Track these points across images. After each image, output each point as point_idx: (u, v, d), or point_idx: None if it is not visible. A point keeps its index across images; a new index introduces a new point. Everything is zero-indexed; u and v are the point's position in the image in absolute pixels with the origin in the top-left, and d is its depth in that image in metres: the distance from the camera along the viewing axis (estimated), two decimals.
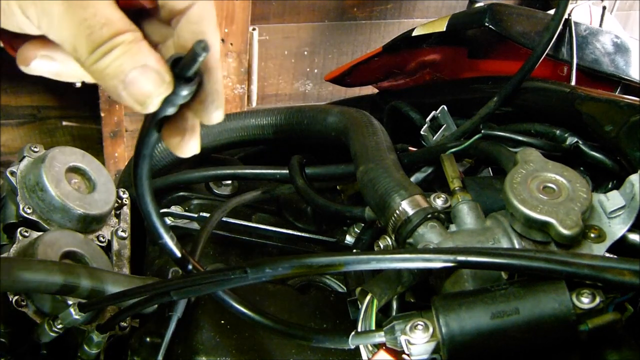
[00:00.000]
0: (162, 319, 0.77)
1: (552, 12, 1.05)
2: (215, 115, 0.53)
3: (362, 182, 0.81)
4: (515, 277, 0.62)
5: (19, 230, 0.80)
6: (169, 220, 0.96)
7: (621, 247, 0.67)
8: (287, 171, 0.99)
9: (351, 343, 0.63)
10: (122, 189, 0.95)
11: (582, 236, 0.65)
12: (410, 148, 0.95)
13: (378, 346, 0.62)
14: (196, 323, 0.79)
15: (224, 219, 0.94)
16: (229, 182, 1.07)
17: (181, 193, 1.02)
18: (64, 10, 0.47)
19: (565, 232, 0.63)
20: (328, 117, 1.01)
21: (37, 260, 0.74)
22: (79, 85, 0.58)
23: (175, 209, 0.98)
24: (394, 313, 0.72)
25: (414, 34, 1.16)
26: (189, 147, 0.56)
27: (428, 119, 1.00)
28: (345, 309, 0.80)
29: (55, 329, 0.72)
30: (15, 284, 0.69)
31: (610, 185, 0.82)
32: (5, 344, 0.75)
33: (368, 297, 0.65)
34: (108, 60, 0.48)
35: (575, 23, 1.09)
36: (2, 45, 0.56)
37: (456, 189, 0.75)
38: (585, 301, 0.57)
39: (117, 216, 0.92)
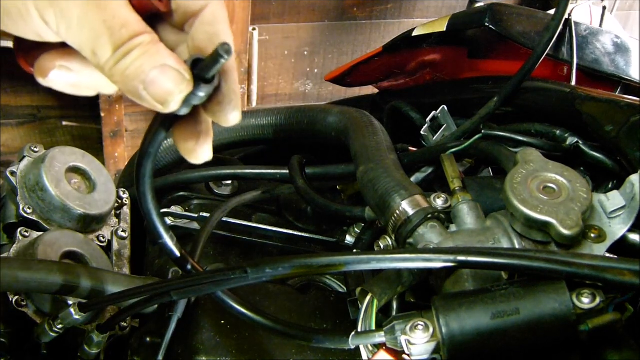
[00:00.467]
0: (162, 319, 0.77)
1: (552, 12, 1.05)
2: (233, 116, 0.54)
3: (362, 182, 0.81)
4: (516, 277, 0.62)
5: (19, 230, 0.80)
6: (169, 220, 0.96)
7: (621, 247, 0.67)
8: (287, 171, 0.99)
9: (351, 343, 0.62)
10: (122, 189, 0.95)
11: (583, 236, 0.65)
12: (410, 148, 0.95)
13: (378, 346, 0.62)
14: (196, 323, 0.79)
15: (224, 219, 0.94)
16: (229, 182, 1.07)
17: (181, 193, 1.02)
18: (83, 13, 0.47)
19: (565, 232, 0.63)
20: (328, 117, 1.01)
21: (37, 260, 0.74)
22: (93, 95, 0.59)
23: (175, 209, 0.98)
24: (394, 313, 0.72)
25: (414, 34, 1.16)
26: (203, 152, 0.56)
27: (428, 119, 1.00)
28: (345, 309, 0.80)
29: (55, 329, 0.72)
30: (15, 284, 0.69)
31: (610, 185, 0.82)
32: (5, 344, 0.75)
33: (368, 297, 0.65)
34: (128, 62, 0.48)
35: (576, 23, 1.09)
36: (20, 64, 0.56)
37: (456, 189, 0.75)
38: (585, 301, 0.57)
39: (117, 216, 0.92)
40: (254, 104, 2.51)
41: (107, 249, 0.88)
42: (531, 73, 0.97)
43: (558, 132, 0.88)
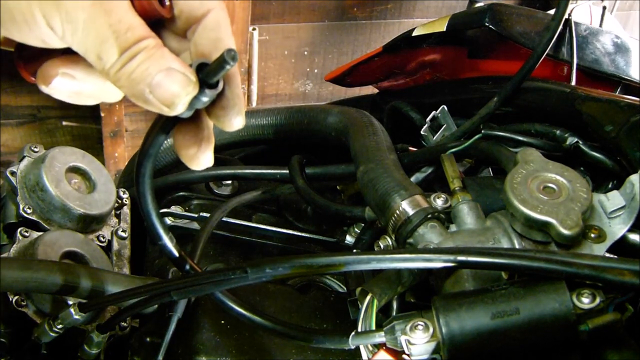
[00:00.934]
0: (162, 319, 0.77)
1: (552, 12, 1.05)
2: (237, 121, 0.54)
3: (362, 182, 0.81)
4: (516, 277, 0.62)
5: (19, 230, 0.80)
6: (169, 220, 0.96)
7: (621, 247, 0.67)
8: (287, 171, 0.99)
9: (351, 343, 0.62)
10: (122, 189, 0.95)
11: (582, 236, 0.65)
12: (410, 148, 0.95)
13: (378, 346, 0.62)
14: (196, 323, 0.79)
15: (224, 219, 0.94)
16: (229, 182, 1.07)
17: (181, 193, 1.02)
18: (89, 17, 0.47)
19: (565, 232, 0.63)
20: (328, 117, 1.01)
21: (37, 260, 0.74)
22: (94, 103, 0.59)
23: (175, 209, 0.98)
24: (394, 313, 0.72)
25: (414, 34, 1.16)
26: (205, 158, 0.56)
27: (428, 119, 1.00)
28: (345, 309, 0.80)
29: (55, 329, 0.72)
30: (15, 284, 0.69)
31: (610, 185, 0.82)
32: (5, 344, 0.75)
33: (368, 297, 0.65)
34: (133, 65, 0.48)
35: (576, 23, 1.09)
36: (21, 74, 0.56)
37: (456, 189, 0.75)
38: (585, 301, 0.57)
39: (117, 216, 0.92)
40: (254, 104, 2.51)
41: (107, 249, 0.88)
42: (531, 73, 0.97)
43: (558, 132, 0.88)
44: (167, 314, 0.76)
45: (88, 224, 0.86)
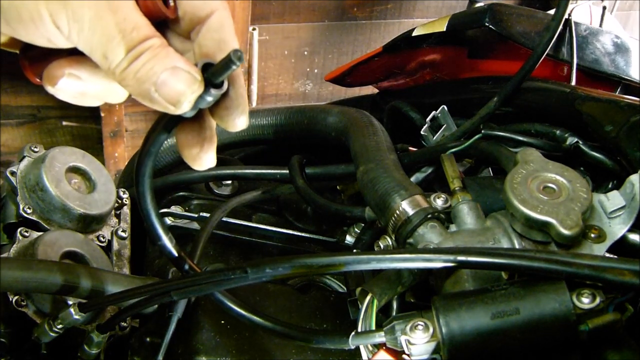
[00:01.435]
0: (162, 319, 0.77)
1: (552, 12, 1.05)
2: (240, 121, 0.54)
3: (362, 182, 0.81)
4: (516, 277, 0.62)
5: (19, 230, 0.80)
6: (169, 220, 0.96)
7: (621, 247, 0.67)
8: (287, 171, 0.99)
9: (351, 343, 0.62)
10: (122, 189, 0.95)
11: (582, 236, 0.65)
12: (410, 148, 0.95)
13: (378, 346, 0.62)
14: (196, 323, 0.79)
15: (224, 219, 0.94)
16: (229, 182, 1.07)
17: (181, 193, 1.02)
18: (95, 15, 0.47)
19: (565, 232, 0.63)
20: (328, 117, 1.01)
21: (37, 260, 0.74)
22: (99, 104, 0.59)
23: (175, 209, 0.98)
24: (394, 313, 0.72)
25: (414, 34, 1.16)
26: (207, 158, 0.56)
27: (428, 119, 1.00)
28: (345, 309, 0.80)
29: (55, 329, 0.72)
30: (15, 284, 0.69)
31: (610, 185, 0.82)
32: (5, 344, 0.75)
33: (368, 297, 0.65)
34: (139, 64, 0.48)
35: (576, 23, 1.09)
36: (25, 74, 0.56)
37: (456, 189, 0.75)
38: (585, 301, 0.57)
39: (117, 216, 0.92)
40: (254, 104, 2.51)
41: (107, 249, 0.88)
42: (531, 73, 0.97)
43: (558, 132, 0.88)
44: (167, 314, 0.76)
45: (88, 224, 0.86)
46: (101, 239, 0.88)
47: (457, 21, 1.11)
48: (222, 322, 0.79)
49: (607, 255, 0.65)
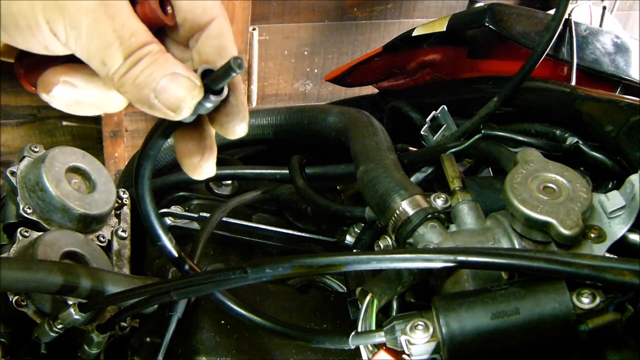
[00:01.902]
0: (162, 319, 0.77)
1: (552, 12, 1.05)
2: (240, 128, 0.54)
3: (362, 182, 0.81)
4: (516, 277, 0.62)
5: (19, 230, 0.80)
6: (169, 220, 0.96)
7: (621, 247, 0.67)
8: (287, 171, 0.99)
9: (351, 343, 0.62)
10: (122, 189, 0.95)
11: (582, 236, 0.65)
12: (410, 148, 0.95)
13: (378, 346, 0.62)
14: (196, 323, 0.79)
15: (224, 219, 0.94)
16: (229, 182, 1.07)
17: (181, 193, 1.02)
18: (93, 22, 0.47)
19: (565, 232, 0.63)
20: (328, 117, 1.01)
21: (37, 260, 0.74)
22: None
23: (175, 208, 0.98)
24: (394, 313, 0.72)
25: (414, 34, 1.16)
26: (207, 167, 0.56)
27: (428, 119, 1.00)
28: (345, 309, 0.80)
29: (55, 329, 0.72)
30: (15, 284, 0.69)
31: (610, 185, 0.82)
32: (5, 344, 0.75)
33: (368, 297, 0.65)
34: (138, 70, 0.48)
35: (576, 23, 1.09)
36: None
37: (456, 189, 0.75)
38: (585, 301, 0.57)
39: (117, 216, 0.92)
40: (254, 104, 2.51)
41: (107, 249, 0.88)
42: (531, 73, 0.97)
43: (558, 132, 0.88)
44: (167, 314, 0.76)
45: (88, 224, 0.86)
46: (101, 239, 0.88)
47: (457, 21, 1.11)
48: (222, 322, 0.79)
49: (607, 255, 0.65)
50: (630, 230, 0.67)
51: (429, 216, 0.71)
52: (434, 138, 1.00)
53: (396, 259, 0.59)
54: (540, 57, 0.98)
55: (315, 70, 2.61)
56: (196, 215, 0.95)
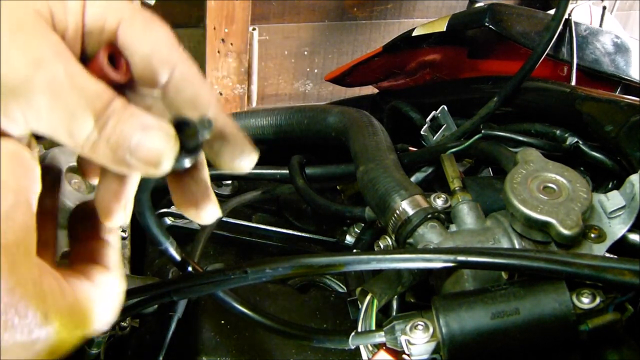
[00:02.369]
0: (162, 319, 0.77)
1: (552, 12, 1.05)
2: (245, 162, 0.49)
3: (362, 182, 0.81)
4: (516, 277, 0.62)
5: None
6: (169, 220, 0.96)
7: (621, 247, 0.67)
8: (287, 171, 0.99)
9: (351, 343, 0.62)
10: None
11: (582, 236, 0.65)
12: (410, 148, 0.95)
13: (378, 346, 0.62)
14: (196, 323, 0.79)
15: (224, 219, 0.94)
16: (229, 182, 1.07)
17: None
18: (51, 96, 0.42)
19: (565, 232, 0.63)
20: (328, 117, 1.01)
21: None
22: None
23: (175, 208, 0.98)
24: (394, 313, 0.72)
25: (414, 34, 1.16)
26: (206, 214, 0.51)
27: (428, 119, 1.00)
28: (345, 309, 0.80)
29: None
30: None
31: (610, 185, 0.82)
32: None
33: (368, 297, 0.65)
34: (108, 133, 0.43)
35: (576, 23, 1.09)
36: None
37: (456, 189, 0.75)
38: (585, 301, 0.57)
39: None
40: (254, 104, 2.51)
41: None
42: (531, 73, 0.97)
43: (558, 132, 0.88)
44: (167, 314, 0.76)
45: None
46: None
47: (457, 21, 1.11)
48: (222, 322, 0.79)
49: (607, 255, 0.65)
50: (630, 230, 0.67)
51: (429, 216, 0.71)
52: (434, 138, 1.00)
53: (396, 259, 0.59)
54: (540, 57, 0.98)
55: (315, 70, 2.61)
56: None
